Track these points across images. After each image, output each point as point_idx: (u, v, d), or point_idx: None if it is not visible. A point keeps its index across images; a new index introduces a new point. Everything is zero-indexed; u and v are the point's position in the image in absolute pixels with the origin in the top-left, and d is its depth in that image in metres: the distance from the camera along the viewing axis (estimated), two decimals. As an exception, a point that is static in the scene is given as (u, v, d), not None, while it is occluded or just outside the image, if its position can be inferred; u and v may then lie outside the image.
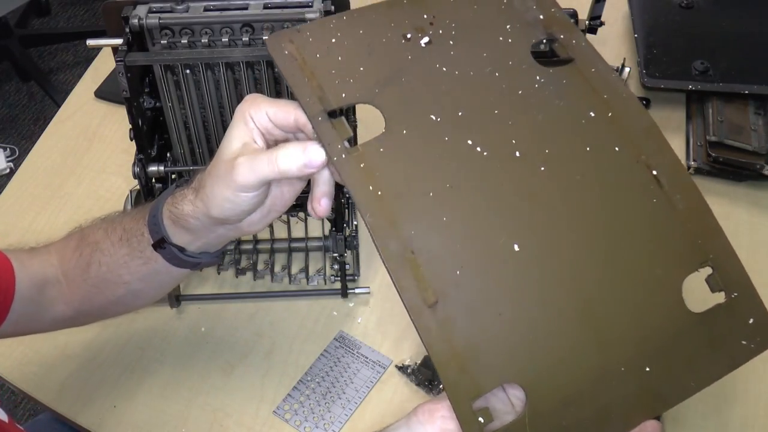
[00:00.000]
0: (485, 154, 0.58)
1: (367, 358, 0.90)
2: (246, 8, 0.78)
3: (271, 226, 0.95)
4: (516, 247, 0.56)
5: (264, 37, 0.77)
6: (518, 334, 0.54)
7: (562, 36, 0.65)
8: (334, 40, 0.61)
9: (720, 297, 0.59)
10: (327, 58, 0.60)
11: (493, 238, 0.56)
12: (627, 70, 1.15)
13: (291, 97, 0.73)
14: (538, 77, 0.63)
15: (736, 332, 0.58)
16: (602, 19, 1.24)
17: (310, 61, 0.59)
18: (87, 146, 1.15)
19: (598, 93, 0.63)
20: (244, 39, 0.78)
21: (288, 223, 0.95)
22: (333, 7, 0.79)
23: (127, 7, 0.77)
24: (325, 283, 0.96)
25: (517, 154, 0.59)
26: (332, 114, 0.57)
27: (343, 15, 0.63)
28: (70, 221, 1.05)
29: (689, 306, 0.58)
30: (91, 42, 0.79)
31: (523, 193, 0.58)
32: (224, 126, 0.83)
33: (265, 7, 0.78)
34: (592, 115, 0.62)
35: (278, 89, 0.80)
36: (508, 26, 0.64)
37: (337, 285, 0.94)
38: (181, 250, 0.66)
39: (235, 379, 0.89)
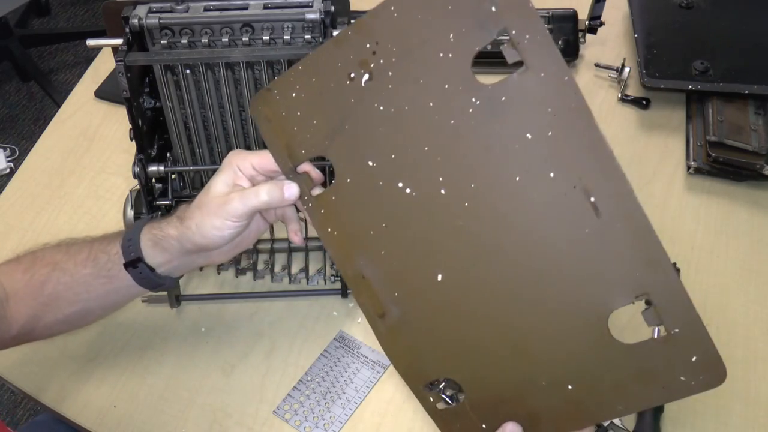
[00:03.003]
0: (413, 195, 0.62)
1: (367, 358, 0.90)
2: (246, 8, 0.78)
3: (271, 226, 0.95)
4: (439, 277, 0.63)
5: (264, 37, 0.77)
6: (450, 344, 0.64)
7: (514, 30, 0.56)
8: (294, 95, 0.65)
9: (658, 332, 0.58)
10: (289, 114, 0.65)
11: (420, 269, 0.64)
12: (627, 70, 1.15)
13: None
14: (474, 99, 0.59)
15: (675, 367, 0.57)
16: (602, 19, 1.25)
17: (277, 120, 0.66)
18: (87, 146, 1.15)
19: (543, 106, 0.57)
20: (244, 39, 0.78)
21: (288, 223, 0.95)
22: (333, 7, 0.79)
23: (127, 7, 0.77)
24: (325, 283, 0.96)
25: (443, 191, 0.61)
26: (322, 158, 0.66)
27: (299, 64, 0.64)
28: (70, 221, 1.06)
29: (633, 334, 0.58)
30: (91, 42, 0.79)
31: (447, 229, 0.62)
32: (224, 126, 0.83)
33: (265, 7, 0.78)
34: (529, 137, 0.57)
35: (278, 89, 0.80)
36: (451, 35, 0.59)
37: (337, 285, 0.94)
38: (152, 270, 0.74)
39: (235, 379, 0.89)
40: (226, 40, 0.77)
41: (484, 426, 0.64)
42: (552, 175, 0.57)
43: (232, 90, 0.80)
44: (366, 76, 0.62)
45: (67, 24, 2.60)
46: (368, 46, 0.62)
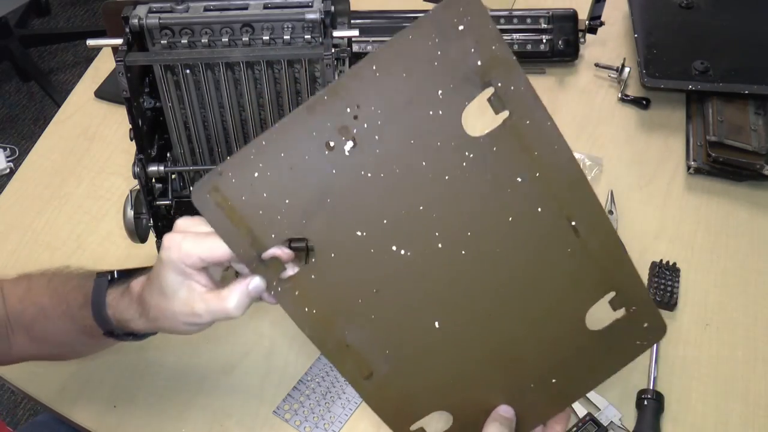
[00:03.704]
0: (408, 254, 0.62)
1: (367, 358, 0.90)
2: (246, 8, 0.78)
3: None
4: (437, 324, 0.64)
5: (264, 37, 0.77)
6: (442, 379, 0.65)
7: (499, 83, 0.58)
8: (256, 174, 0.59)
9: (621, 313, 0.65)
10: (252, 197, 0.60)
11: (415, 322, 0.64)
12: (627, 70, 1.15)
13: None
14: (467, 153, 0.60)
15: (633, 336, 0.65)
16: (602, 19, 1.25)
17: (236, 205, 0.60)
18: (87, 146, 1.15)
19: (529, 150, 0.60)
20: (244, 39, 0.78)
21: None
22: (333, 7, 0.79)
23: (127, 7, 0.77)
24: (325, 283, 0.96)
25: (440, 245, 0.62)
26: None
27: (262, 139, 0.59)
28: (70, 221, 1.06)
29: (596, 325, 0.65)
30: (91, 42, 0.79)
31: (444, 279, 0.63)
32: (224, 126, 0.83)
33: (265, 7, 0.78)
34: (519, 180, 0.61)
35: (278, 89, 0.80)
36: (440, 92, 0.58)
37: (337, 285, 0.94)
38: (132, 333, 0.73)
39: (235, 379, 0.89)
40: (226, 40, 0.77)
41: None
42: (539, 210, 0.62)
43: (232, 90, 0.80)
44: (349, 144, 0.59)
45: (67, 24, 2.60)
46: (348, 110, 0.58)
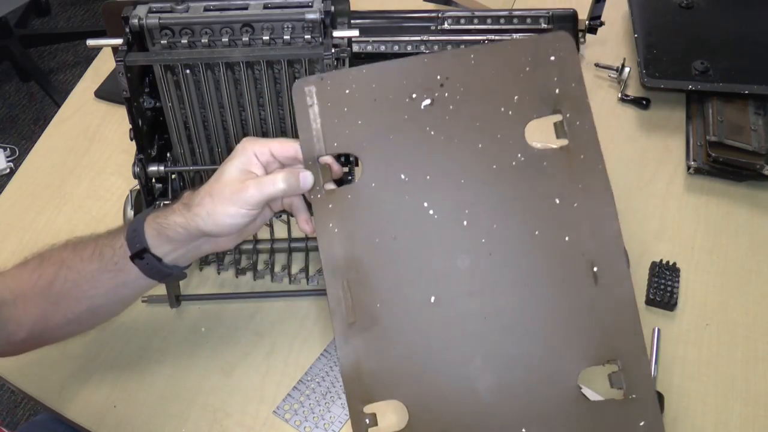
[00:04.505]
0: (435, 217, 0.65)
1: (367, 358, 0.90)
2: (246, 8, 0.78)
3: (271, 226, 0.95)
4: (432, 299, 0.64)
5: (264, 37, 0.77)
6: (412, 368, 0.65)
7: (569, 114, 0.66)
8: (347, 91, 0.68)
9: (618, 395, 0.64)
10: (336, 107, 0.68)
11: (415, 286, 0.65)
12: (627, 70, 1.15)
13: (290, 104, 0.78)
14: (519, 155, 0.65)
15: (626, 428, 0.63)
16: (602, 19, 1.25)
17: (321, 108, 0.68)
18: (87, 146, 1.15)
19: (575, 182, 0.65)
20: (244, 39, 0.78)
21: (288, 223, 0.95)
22: (333, 7, 0.79)
23: (127, 7, 0.77)
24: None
25: (465, 223, 0.65)
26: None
27: (363, 68, 0.68)
28: (70, 221, 1.06)
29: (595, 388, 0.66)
30: (91, 42, 0.79)
31: (455, 258, 0.65)
32: (224, 126, 0.83)
33: (265, 7, 0.78)
34: (557, 201, 0.65)
35: (278, 89, 0.80)
36: (516, 97, 0.66)
37: (337, 285, 0.94)
38: (159, 260, 0.73)
39: (235, 379, 0.89)
40: (226, 40, 0.77)
41: None
42: (567, 239, 0.64)
43: (232, 90, 0.80)
44: (427, 101, 0.67)
45: (67, 24, 2.60)
46: (438, 77, 0.67)
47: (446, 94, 0.67)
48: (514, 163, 0.65)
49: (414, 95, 0.67)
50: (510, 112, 0.66)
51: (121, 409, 0.87)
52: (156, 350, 0.91)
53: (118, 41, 0.76)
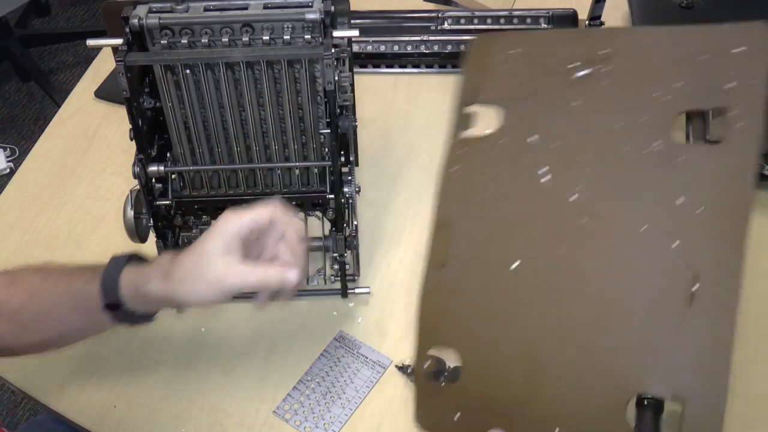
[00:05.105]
0: (548, 183, 0.64)
1: (367, 358, 0.90)
2: (246, 8, 0.78)
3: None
4: (514, 265, 0.63)
5: (264, 37, 0.77)
6: (482, 328, 0.64)
7: (736, 112, 0.59)
8: (511, 51, 0.69)
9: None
10: (499, 65, 0.69)
11: (504, 246, 0.64)
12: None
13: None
14: (655, 143, 0.61)
15: None
16: (602, 19, 1.24)
17: (488, 63, 0.70)
18: (87, 146, 1.15)
19: (710, 185, 0.58)
20: (244, 39, 0.78)
21: (288, 223, 0.95)
22: (333, 7, 0.79)
23: (127, 7, 0.77)
24: (325, 283, 0.96)
25: (576, 196, 0.62)
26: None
27: (532, 33, 0.71)
28: (70, 221, 1.06)
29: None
30: (91, 42, 0.79)
31: (551, 228, 0.63)
32: (224, 126, 0.83)
33: (265, 7, 0.78)
34: (679, 201, 0.58)
35: (278, 89, 0.80)
36: (679, 84, 0.62)
37: (337, 285, 0.94)
38: (131, 312, 0.74)
39: (235, 379, 0.89)
40: (226, 40, 0.77)
41: (457, 416, 0.64)
42: (675, 244, 0.58)
43: (232, 90, 0.80)
44: (584, 72, 0.65)
45: (67, 24, 2.60)
46: (605, 51, 0.66)
47: (605, 69, 0.65)
48: (646, 151, 0.61)
49: (574, 64, 0.66)
50: (665, 98, 0.62)
51: (121, 409, 0.87)
52: (156, 350, 0.91)
53: (118, 41, 0.76)
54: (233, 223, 0.70)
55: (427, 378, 0.66)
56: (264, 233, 0.73)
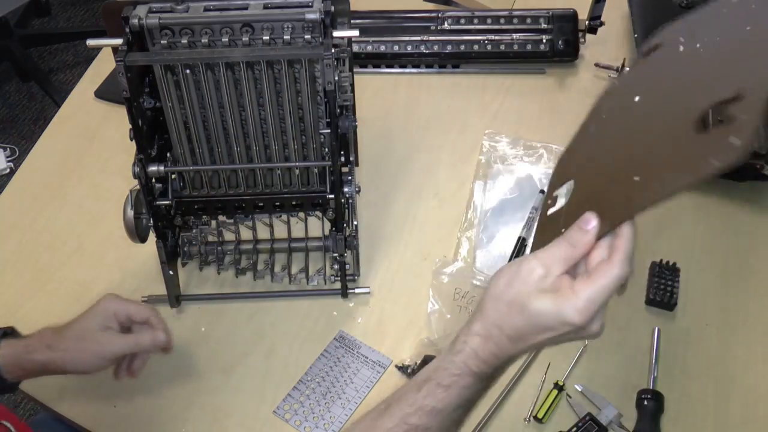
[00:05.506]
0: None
1: (367, 358, 0.90)
2: (246, 8, 0.78)
3: (271, 226, 0.95)
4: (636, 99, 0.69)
5: (264, 37, 0.77)
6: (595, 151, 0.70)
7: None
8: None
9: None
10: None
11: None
12: (627, 70, 1.15)
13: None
14: None
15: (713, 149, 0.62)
16: (602, 19, 1.25)
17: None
18: (87, 146, 1.15)
19: None
20: (244, 39, 0.78)
21: (288, 223, 0.95)
22: (333, 7, 0.79)
23: (127, 7, 0.77)
24: (325, 283, 0.96)
25: None
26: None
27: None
28: (70, 221, 1.06)
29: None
30: (91, 42, 0.79)
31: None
32: (224, 126, 0.83)
33: (265, 7, 0.78)
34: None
35: (278, 89, 0.80)
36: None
37: (337, 285, 0.94)
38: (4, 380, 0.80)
39: (235, 379, 0.89)
40: (226, 40, 0.77)
41: (563, 230, 0.65)
42: None
43: (232, 90, 0.80)
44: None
45: (67, 24, 2.59)
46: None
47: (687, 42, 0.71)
48: None
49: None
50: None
51: (121, 409, 0.87)
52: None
53: (118, 41, 0.76)
54: (114, 304, 0.81)
55: (546, 215, 0.68)
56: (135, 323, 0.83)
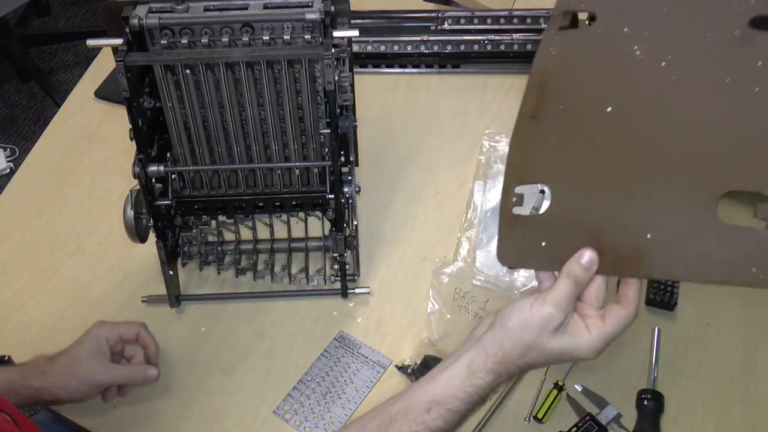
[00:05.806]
0: (638, 55, 0.68)
1: (367, 358, 0.90)
2: (246, 8, 0.78)
3: (271, 226, 0.95)
4: (609, 109, 0.67)
5: (264, 37, 0.77)
6: (571, 158, 0.68)
7: None
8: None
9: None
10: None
11: (597, 98, 0.68)
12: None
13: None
14: (737, 31, 0.65)
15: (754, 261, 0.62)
16: (602, 19, 1.24)
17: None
18: (87, 146, 1.15)
19: None
20: (244, 39, 0.78)
21: (288, 223, 0.95)
22: (333, 7, 0.79)
23: (127, 7, 0.77)
24: (325, 283, 0.96)
25: (663, 64, 0.67)
26: None
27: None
28: (70, 221, 1.06)
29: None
30: (91, 42, 0.79)
31: (644, 85, 0.67)
32: (224, 126, 0.83)
33: (265, 7, 0.78)
34: (760, 63, 0.63)
35: (278, 89, 0.80)
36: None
37: (337, 285, 0.94)
38: None
39: (235, 379, 0.89)
40: (226, 40, 0.77)
41: (543, 244, 0.66)
42: (756, 89, 0.63)
43: (232, 90, 0.80)
44: None
45: (67, 24, 2.59)
46: None
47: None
48: (728, 36, 0.65)
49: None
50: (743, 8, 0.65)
51: (121, 409, 0.87)
52: (156, 350, 0.91)
53: (118, 41, 0.76)
54: (104, 330, 0.83)
55: (511, 212, 0.68)
56: (126, 343, 0.86)
